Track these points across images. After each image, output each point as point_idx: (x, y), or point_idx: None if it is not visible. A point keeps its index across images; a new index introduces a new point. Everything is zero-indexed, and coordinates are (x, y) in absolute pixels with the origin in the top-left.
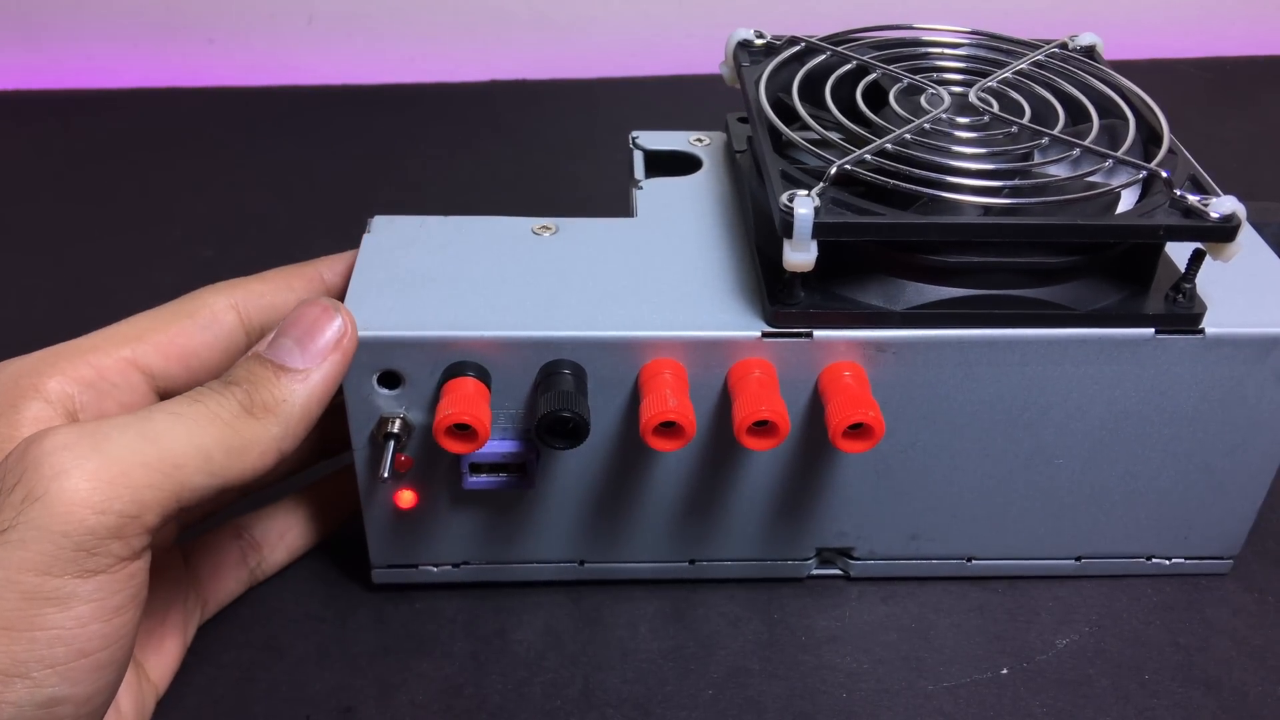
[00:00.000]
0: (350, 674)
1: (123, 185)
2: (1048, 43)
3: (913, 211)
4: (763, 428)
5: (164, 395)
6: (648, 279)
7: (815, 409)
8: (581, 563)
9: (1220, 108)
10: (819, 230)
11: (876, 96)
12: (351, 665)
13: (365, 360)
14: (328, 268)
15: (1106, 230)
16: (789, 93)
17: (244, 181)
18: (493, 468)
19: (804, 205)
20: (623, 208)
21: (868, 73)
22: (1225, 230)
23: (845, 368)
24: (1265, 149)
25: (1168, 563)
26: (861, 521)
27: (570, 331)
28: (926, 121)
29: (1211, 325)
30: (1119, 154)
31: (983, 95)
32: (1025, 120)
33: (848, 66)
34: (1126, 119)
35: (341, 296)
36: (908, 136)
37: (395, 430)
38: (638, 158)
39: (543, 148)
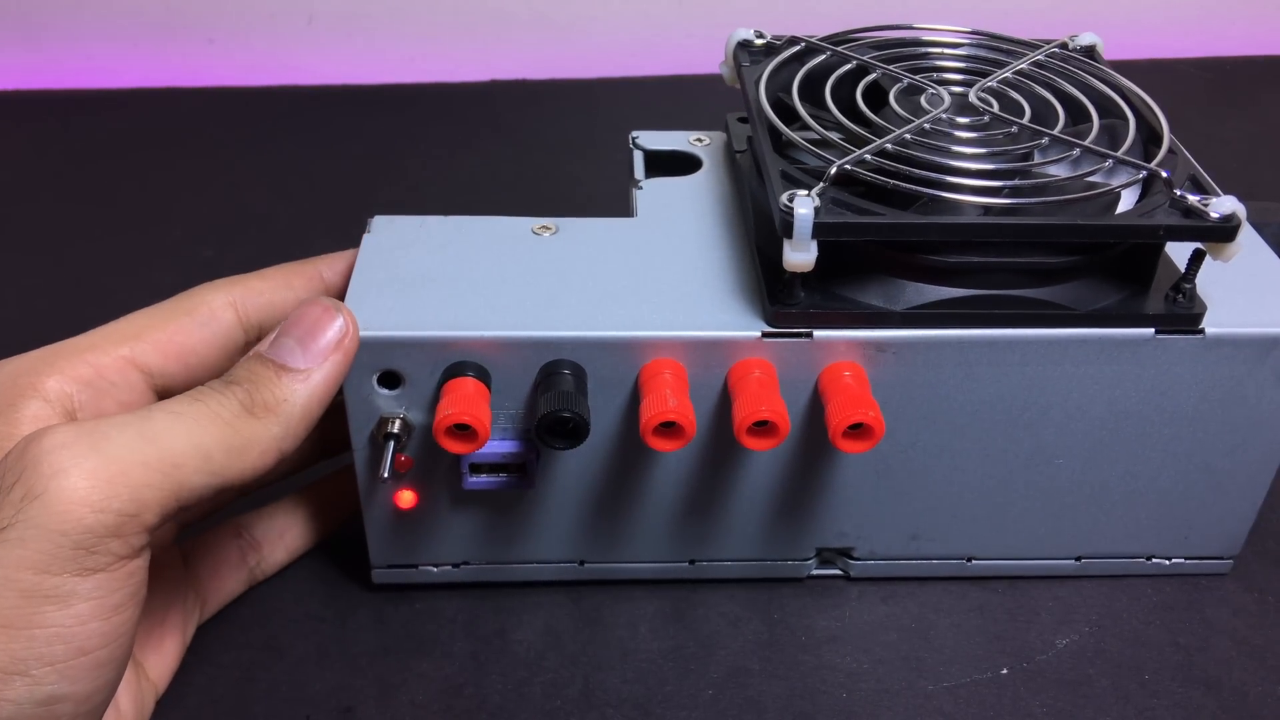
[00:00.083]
0: (350, 674)
1: (123, 185)
2: (1048, 43)
3: (913, 211)
4: (763, 428)
5: (162, 393)
6: (648, 279)
7: (815, 409)
8: (581, 563)
9: (1220, 108)
10: (819, 230)
11: (876, 96)
12: (351, 665)
13: (365, 360)
14: (327, 266)
15: (1106, 230)
16: (789, 93)
17: (244, 181)
18: (493, 468)
19: (804, 205)
20: (623, 208)
21: (868, 73)
22: (1225, 230)
23: (845, 368)
24: (1265, 149)
25: (1168, 563)
26: (862, 522)
27: (570, 331)
28: (926, 121)
29: (1211, 325)
30: (1119, 154)
31: (983, 95)
32: (1025, 120)
33: (848, 66)
34: (1126, 119)
35: (341, 295)
36: (908, 136)
37: (395, 430)
38: (638, 158)
39: (543, 148)
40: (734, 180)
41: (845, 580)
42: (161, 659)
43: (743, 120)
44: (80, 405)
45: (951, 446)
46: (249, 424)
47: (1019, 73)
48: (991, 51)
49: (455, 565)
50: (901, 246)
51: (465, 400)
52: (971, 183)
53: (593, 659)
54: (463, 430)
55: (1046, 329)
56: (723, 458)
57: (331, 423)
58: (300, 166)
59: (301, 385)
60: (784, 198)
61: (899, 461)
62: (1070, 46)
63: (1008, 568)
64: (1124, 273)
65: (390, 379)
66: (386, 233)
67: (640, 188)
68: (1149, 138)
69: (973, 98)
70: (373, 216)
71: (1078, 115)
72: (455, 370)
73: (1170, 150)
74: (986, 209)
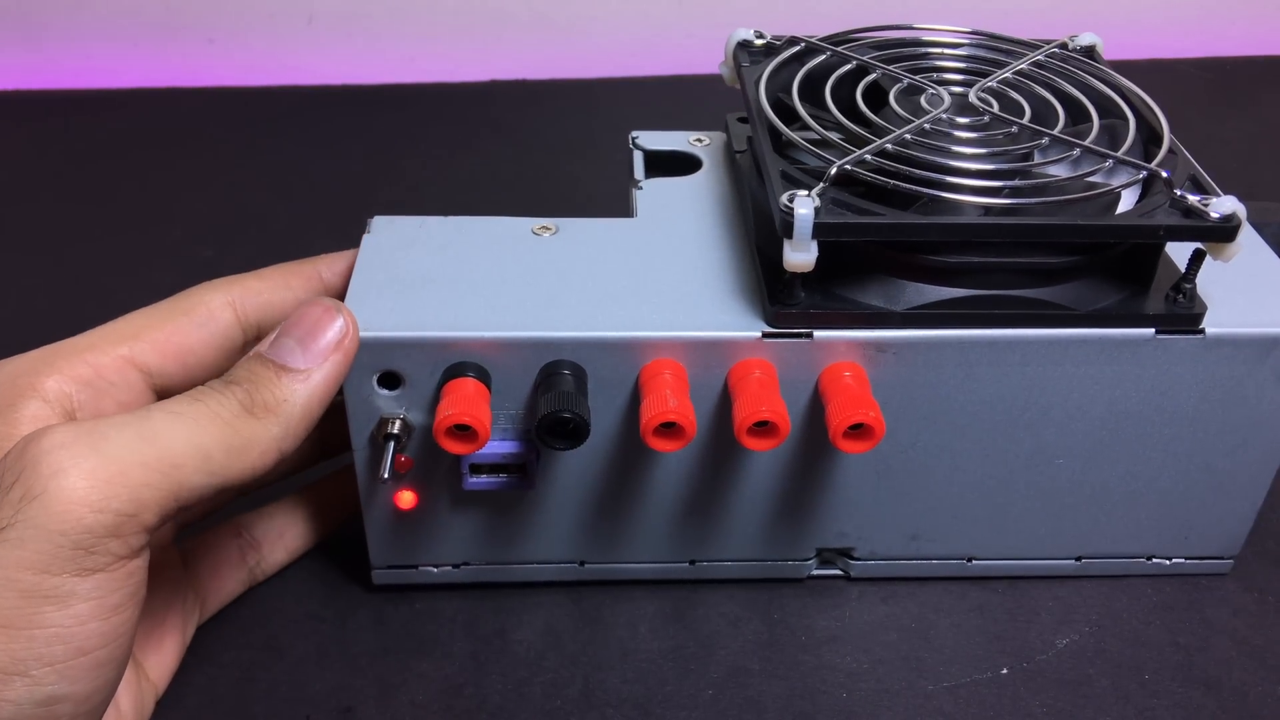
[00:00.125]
0: (350, 674)
1: (123, 185)
2: (1048, 43)
3: (913, 212)
4: (763, 428)
5: (161, 393)
6: (648, 279)
7: (815, 409)
8: (582, 563)
9: (1220, 108)
10: (819, 230)
11: (876, 97)
12: (351, 665)
13: (365, 361)
14: (326, 266)
15: (1107, 230)
16: (789, 93)
17: (244, 181)
18: (493, 468)
19: (804, 205)
20: (623, 208)
21: (868, 73)
22: (1226, 230)
23: (845, 368)
24: (1265, 149)
25: (1168, 563)
26: (862, 522)
27: (570, 332)
28: (926, 122)
29: (1212, 325)
30: (1119, 154)
31: (983, 95)
32: (1025, 120)
33: (848, 67)
34: (1126, 119)
35: (339, 295)
36: (908, 137)
37: (395, 431)
38: (637, 158)
39: (543, 148)
40: (734, 180)
41: (845, 580)
42: (161, 659)
43: (742, 120)
44: (79, 405)
45: (952, 447)
46: (249, 424)
47: (1019, 73)
48: (991, 51)
49: (455, 566)
50: (902, 247)
51: (465, 401)
52: (972, 183)
53: (593, 659)
54: (463, 431)
55: (1047, 329)
56: (723, 458)
57: (331, 423)
58: (300, 166)
59: (302, 385)
60: (784, 198)
61: (899, 462)
62: (1070, 47)
63: (1008, 568)
64: (1124, 273)
65: (390, 379)
66: (386, 233)
67: (640, 188)
68: (1149, 138)
69: (973, 98)
70: (372, 217)
71: (1078, 115)
72: (455, 371)
73: (1170, 150)
74: (987, 209)
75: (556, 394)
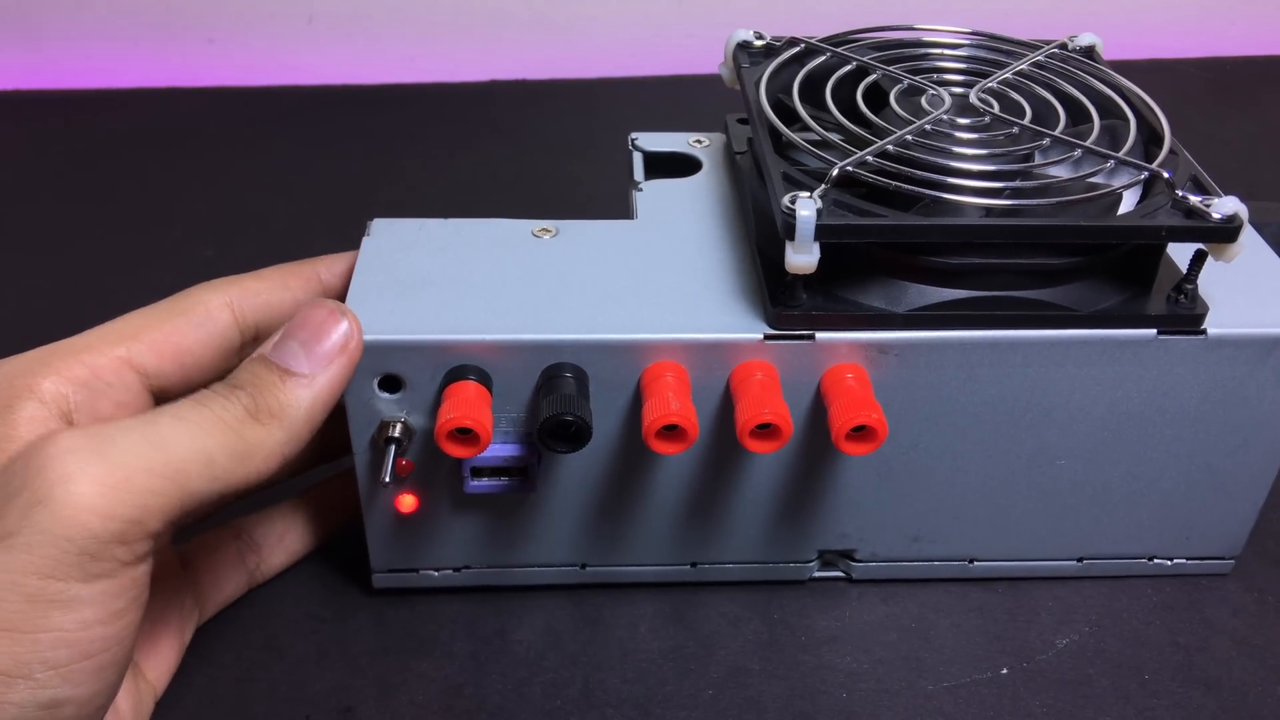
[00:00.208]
0: (350, 674)
1: (123, 185)
2: (1048, 43)
3: (914, 213)
4: (765, 430)
5: (158, 394)
6: (649, 281)
7: (818, 411)
8: (583, 566)
9: (1220, 108)
10: (821, 232)
11: (877, 97)
12: (351, 665)
13: (366, 364)
14: (325, 267)
15: (1108, 231)
16: (789, 94)
17: (244, 181)
18: (494, 471)
19: (806, 207)
20: (623, 209)
21: (868, 74)
22: (1227, 231)
23: (848, 370)
24: (1265, 149)
25: (1169, 563)
26: (864, 524)
27: (571, 334)
28: (927, 123)
29: (1213, 326)
30: (1120, 155)
31: (983, 96)
32: (1026, 121)
33: (848, 68)
34: (1127, 120)
35: (338, 297)
36: (909, 138)
37: (396, 434)
38: (637, 159)
39: (543, 148)
40: (734, 182)
41: (846, 581)
42: (160, 661)
43: (742, 121)
44: (76, 406)
45: (954, 448)
46: (253, 429)
47: (1019, 73)
48: (992, 52)
49: (456, 569)
50: (903, 248)
51: (467, 404)
52: (973, 184)
53: (593, 659)
54: (464, 434)
55: (1048, 330)
56: (725, 460)
57: (332, 426)
58: (300, 166)
59: (305, 390)
60: (786, 199)
61: (901, 463)
62: (1070, 47)
63: (1009, 569)
64: (1126, 274)
65: (391, 383)
66: (386, 235)
67: (640, 189)
68: (1150, 138)
69: (973, 99)
70: (372, 219)
71: (1078, 116)
72: (456, 374)
73: (1171, 151)
74: (988, 210)
75: (558, 396)
